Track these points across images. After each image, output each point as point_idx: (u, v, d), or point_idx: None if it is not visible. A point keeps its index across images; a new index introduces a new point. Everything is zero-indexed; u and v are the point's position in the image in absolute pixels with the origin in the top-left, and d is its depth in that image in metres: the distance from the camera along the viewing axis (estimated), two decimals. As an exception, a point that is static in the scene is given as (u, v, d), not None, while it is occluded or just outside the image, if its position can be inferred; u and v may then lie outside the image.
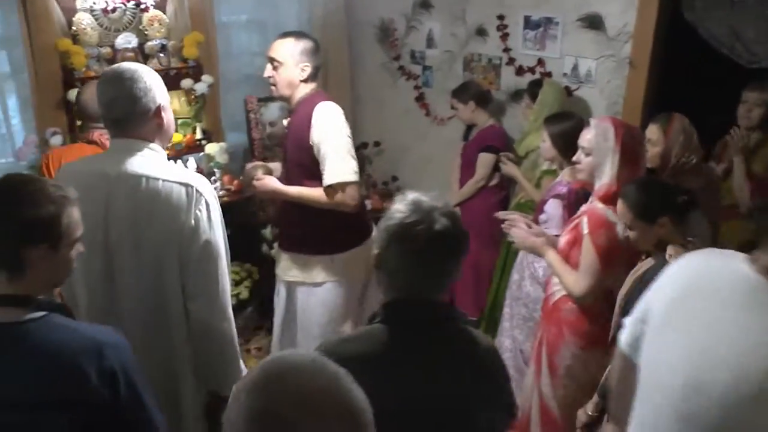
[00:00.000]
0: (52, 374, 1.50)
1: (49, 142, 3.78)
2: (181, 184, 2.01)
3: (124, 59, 4.13)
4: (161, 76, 4.00)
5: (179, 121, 4.43)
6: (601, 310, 2.63)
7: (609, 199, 2.57)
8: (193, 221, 1.99)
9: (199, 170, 4.61)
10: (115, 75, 2.06)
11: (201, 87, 4.38)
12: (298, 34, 3.01)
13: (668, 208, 2.34)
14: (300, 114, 2.97)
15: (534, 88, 4.04)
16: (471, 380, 1.63)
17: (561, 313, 2.75)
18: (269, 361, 1.09)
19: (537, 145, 3.78)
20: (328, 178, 2.87)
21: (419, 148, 5.30)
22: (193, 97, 4.44)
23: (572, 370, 2.72)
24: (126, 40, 4.17)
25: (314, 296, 3.14)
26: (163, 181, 2.01)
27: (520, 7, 4.30)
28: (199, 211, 2.00)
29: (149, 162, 2.05)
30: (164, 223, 2.00)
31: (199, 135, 4.53)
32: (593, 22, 3.97)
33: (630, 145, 2.59)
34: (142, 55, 4.26)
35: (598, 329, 2.61)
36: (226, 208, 4.29)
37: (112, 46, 4.14)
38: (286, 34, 3.01)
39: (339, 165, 2.85)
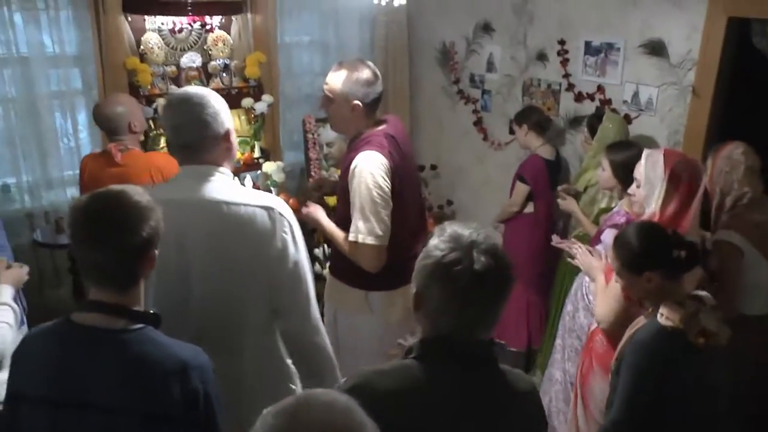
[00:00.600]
0: (138, 386, 1.57)
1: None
2: (263, 207, 1.99)
3: (188, 78, 4.28)
4: (223, 95, 4.18)
5: (238, 140, 4.53)
6: None
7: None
8: (280, 244, 1.99)
9: (256, 188, 4.71)
10: (183, 100, 2.04)
11: (261, 106, 4.48)
12: (354, 64, 2.72)
13: (659, 263, 2.16)
14: (349, 154, 2.77)
15: (593, 121, 3.94)
16: (505, 425, 1.56)
17: (593, 343, 2.68)
18: (303, 394, 1.13)
19: (596, 181, 3.69)
20: (351, 232, 2.68)
21: (476, 172, 5.27)
22: (252, 116, 4.54)
23: (601, 404, 2.63)
24: (190, 59, 4.31)
25: (352, 325, 3.04)
26: (245, 205, 1.98)
27: (582, 32, 4.25)
28: (284, 233, 2.00)
29: (224, 187, 2.02)
30: (250, 247, 1.98)
31: (257, 153, 4.63)
32: (656, 49, 3.88)
33: (679, 176, 2.50)
34: (205, 74, 4.39)
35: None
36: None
37: (177, 65, 4.29)
38: (340, 65, 2.74)
39: (360, 223, 2.64)
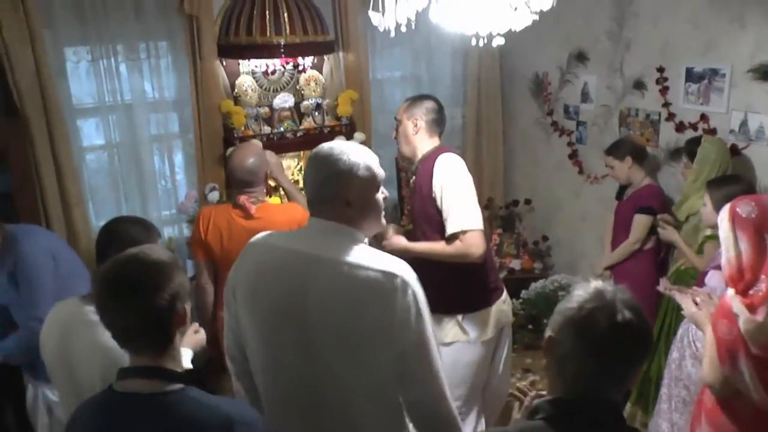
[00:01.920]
0: None
1: (207, 197, 4.02)
2: (386, 273, 1.87)
3: (280, 118, 4.36)
4: (315, 134, 4.31)
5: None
6: (741, 407, 2.30)
7: (735, 283, 2.23)
8: (401, 312, 1.85)
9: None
10: (325, 155, 1.97)
11: (353, 144, 4.49)
12: (418, 97, 3.18)
13: None
14: (422, 168, 3.04)
15: (692, 146, 3.74)
16: None
17: (705, 396, 2.48)
18: None
19: (698, 209, 3.51)
20: (451, 227, 2.88)
21: (572, 207, 5.12)
22: (345, 153, 4.55)
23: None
24: (283, 99, 4.38)
25: (445, 356, 3.04)
26: (366, 269, 1.87)
27: (683, 59, 4.06)
28: (408, 300, 1.86)
29: (351, 248, 1.93)
30: (368, 313, 1.86)
31: (349, 190, 4.63)
32: (767, 73, 3.65)
33: (742, 216, 2.24)
34: (297, 113, 4.45)
35: (737, 428, 2.30)
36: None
37: (270, 106, 4.37)
38: (407, 99, 3.20)
39: (461, 213, 2.86)
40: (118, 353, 2.03)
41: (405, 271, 1.89)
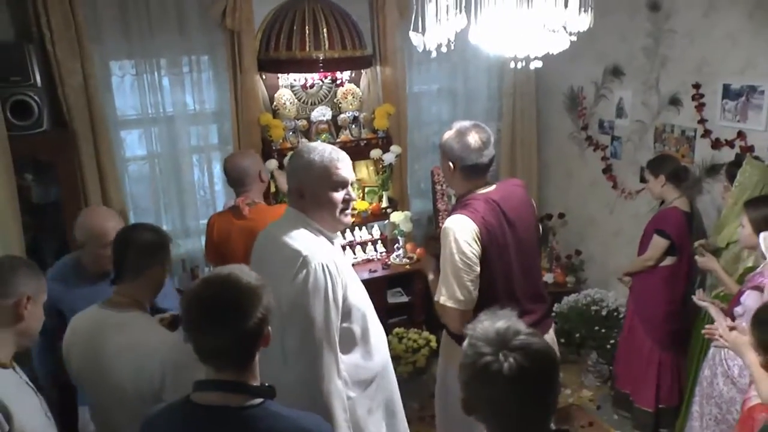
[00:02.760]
0: None
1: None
2: (296, 251, 2.25)
3: (318, 131, 4.45)
4: (352, 146, 4.39)
5: (366, 189, 4.64)
6: None
7: None
8: (296, 288, 2.21)
9: (383, 237, 4.78)
10: (295, 152, 2.45)
11: (389, 157, 4.56)
12: (465, 127, 2.69)
13: None
14: (450, 213, 2.79)
15: (732, 168, 3.70)
16: None
17: (755, 422, 2.47)
18: None
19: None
20: (435, 293, 2.69)
21: (606, 222, 5.11)
22: (381, 166, 4.62)
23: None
24: (321, 113, 4.46)
25: (453, 378, 3.07)
26: (288, 246, 2.28)
27: (720, 75, 4.05)
28: (301, 279, 2.21)
29: (291, 229, 2.34)
30: (278, 283, 2.16)
31: (385, 203, 4.70)
32: (806, 91, 3.64)
33: None
34: (335, 126, 4.53)
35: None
36: (408, 275, 4.52)
37: (308, 119, 4.45)
38: (457, 123, 2.76)
39: (443, 286, 2.63)
40: (148, 350, 2.17)
41: (314, 253, 2.24)
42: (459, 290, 2.58)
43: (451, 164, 2.68)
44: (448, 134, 2.70)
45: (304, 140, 4.39)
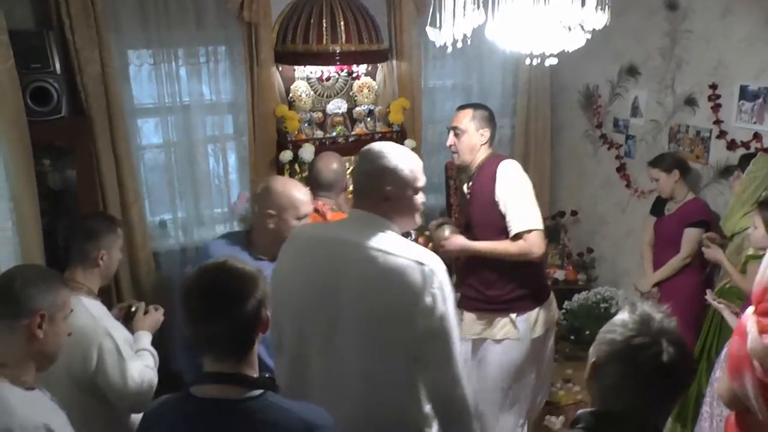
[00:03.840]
0: None
1: (259, 199, 4.14)
2: (416, 261, 2.00)
3: (333, 123, 4.46)
4: (367, 139, 4.40)
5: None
6: (753, 425, 2.28)
7: (758, 302, 2.10)
8: (428, 299, 1.99)
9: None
10: (374, 153, 2.15)
11: (403, 151, 4.56)
12: (476, 105, 3.30)
13: None
14: (483, 175, 3.17)
15: (746, 162, 3.71)
16: None
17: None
18: None
19: (743, 227, 3.49)
20: (516, 227, 3.03)
21: (618, 221, 5.11)
22: (394, 160, 4.62)
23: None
24: (336, 105, 4.48)
25: (493, 352, 3.27)
26: (398, 256, 2.01)
27: (737, 76, 4.04)
28: (433, 289, 1.99)
29: (384, 237, 2.07)
30: (395, 296, 2.00)
31: (397, 196, 4.70)
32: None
33: None
34: (350, 119, 4.54)
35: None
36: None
37: (323, 111, 4.47)
38: (464, 106, 3.31)
39: (525, 214, 3.03)
40: (81, 334, 2.23)
41: (433, 261, 2.03)
42: (538, 213, 3.09)
43: (485, 132, 3.19)
44: (468, 112, 3.23)
45: (318, 132, 4.41)
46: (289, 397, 1.73)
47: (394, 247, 2.04)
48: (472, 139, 3.19)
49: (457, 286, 4.22)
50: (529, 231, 3.02)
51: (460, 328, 3.28)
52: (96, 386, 2.36)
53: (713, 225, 3.96)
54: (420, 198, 2.19)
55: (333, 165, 3.46)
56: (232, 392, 1.62)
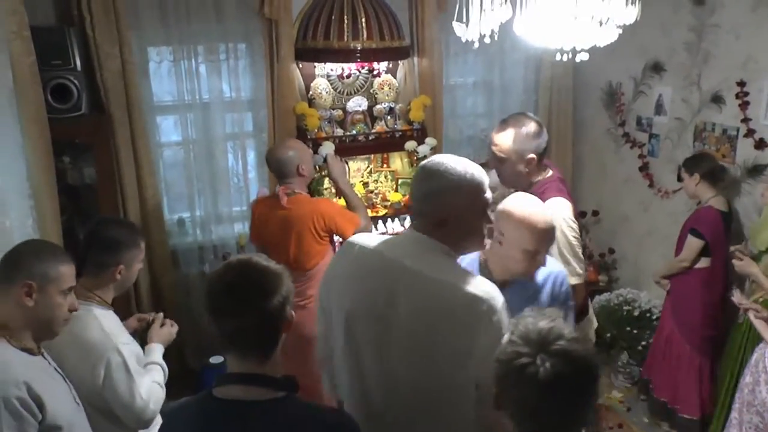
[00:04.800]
0: None
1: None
2: (476, 297, 1.85)
3: (353, 121, 4.42)
4: (387, 138, 4.36)
5: (400, 181, 4.61)
6: None
7: None
8: (484, 338, 1.83)
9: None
10: (432, 169, 1.96)
11: (424, 149, 4.51)
12: (518, 120, 2.83)
13: None
14: None
15: None
16: None
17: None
18: None
19: None
20: None
21: (640, 220, 5.03)
22: (415, 158, 4.58)
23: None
24: (356, 103, 4.44)
25: None
26: (456, 288, 1.86)
27: (766, 73, 3.94)
28: (493, 328, 1.84)
29: (441, 263, 1.94)
30: (451, 332, 1.87)
31: (418, 195, 4.65)
32: None
33: None
34: (370, 117, 4.50)
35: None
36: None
37: (344, 109, 4.43)
38: (505, 124, 2.85)
39: (571, 270, 2.69)
40: (88, 346, 2.23)
41: (494, 296, 1.87)
42: (579, 265, 2.76)
43: (530, 157, 2.78)
44: (509, 134, 2.79)
45: (339, 130, 4.37)
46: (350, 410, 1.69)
47: (453, 276, 1.90)
48: (516, 167, 2.81)
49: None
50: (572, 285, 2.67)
51: None
52: (104, 401, 2.33)
53: (713, 238, 3.85)
54: (489, 218, 2.00)
55: (282, 155, 3.52)
56: (256, 393, 1.60)
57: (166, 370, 2.58)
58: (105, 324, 2.36)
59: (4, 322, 1.96)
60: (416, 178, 1.99)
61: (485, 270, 2.35)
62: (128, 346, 2.42)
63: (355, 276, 2.01)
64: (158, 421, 2.40)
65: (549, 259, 2.31)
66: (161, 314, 2.74)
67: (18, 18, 3.14)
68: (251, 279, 1.62)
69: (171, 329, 2.71)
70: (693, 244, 3.90)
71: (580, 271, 2.75)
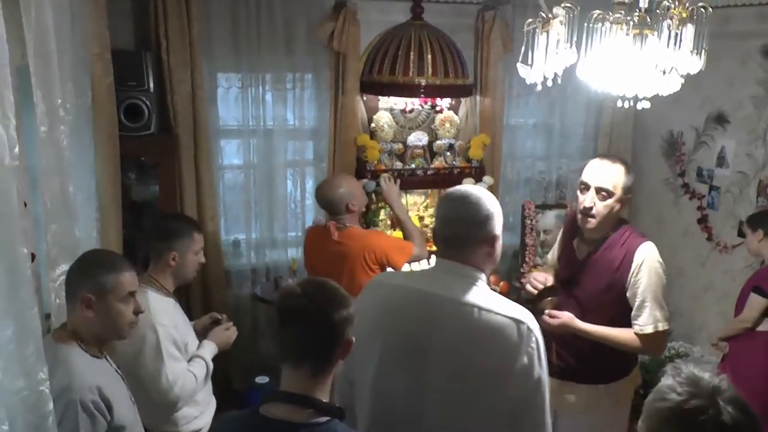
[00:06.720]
0: None
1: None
2: (512, 319, 1.91)
3: (413, 155, 4.47)
4: (445, 174, 4.40)
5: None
6: None
7: None
8: (526, 359, 1.90)
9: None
10: (460, 197, 2.05)
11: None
12: (625, 162, 2.88)
13: None
14: (615, 249, 2.80)
15: None
16: None
17: None
18: None
19: None
20: (647, 326, 2.73)
21: (696, 275, 4.93)
22: (471, 196, 4.60)
23: None
24: (417, 137, 4.49)
25: (579, 424, 3.00)
26: (492, 313, 1.92)
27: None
28: (531, 348, 1.91)
29: (476, 290, 1.98)
30: (491, 356, 1.91)
31: (471, 233, 4.66)
32: None
33: None
34: (429, 152, 4.55)
35: None
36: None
37: (404, 143, 4.49)
38: (607, 159, 2.87)
39: (657, 312, 2.72)
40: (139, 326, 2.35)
41: (529, 319, 1.94)
42: (666, 310, 2.76)
43: (627, 201, 2.85)
44: (619, 169, 2.79)
45: (398, 164, 4.42)
46: None
47: (487, 301, 1.94)
48: (616, 206, 2.77)
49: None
50: (657, 331, 2.73)
51: None
52: (137, 376, 2.50)
53: None
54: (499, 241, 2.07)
55: (331, 194, 3.49)
56: (300, 416, 1.61)
57: (211, 367, 2.72)
58: (152, 305, 2.56)
59: (75, 330, 2.10)
60: (446, 207, 2.06)
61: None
62: (166, 327, 2.61)
63: (387, 313, 2.04)
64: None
65: None
66: (226, 318, 2.94)
67: (102, 42, 3.29)
68: (325, 288, 1.70)
69: (230, 334, 2.86)
70: (757, 303, 3.77)
71: (668, 316, 2.76)
